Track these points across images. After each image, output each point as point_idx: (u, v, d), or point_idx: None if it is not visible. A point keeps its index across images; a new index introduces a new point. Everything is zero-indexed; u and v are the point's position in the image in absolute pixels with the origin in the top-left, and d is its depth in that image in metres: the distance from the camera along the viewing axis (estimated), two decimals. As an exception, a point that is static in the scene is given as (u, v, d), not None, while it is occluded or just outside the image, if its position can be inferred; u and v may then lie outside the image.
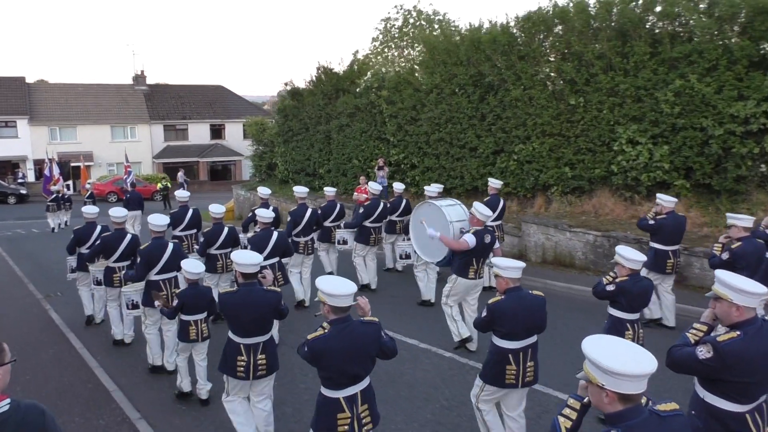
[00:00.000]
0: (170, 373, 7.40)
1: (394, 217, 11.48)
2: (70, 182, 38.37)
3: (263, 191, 11.55)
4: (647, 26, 11.96)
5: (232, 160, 47.85)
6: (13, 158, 41.03)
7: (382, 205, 10.92)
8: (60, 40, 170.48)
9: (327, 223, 11.03)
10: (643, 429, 2.50)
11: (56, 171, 23.24)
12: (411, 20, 35.04)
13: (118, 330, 8.66)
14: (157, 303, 6.69)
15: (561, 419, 2.86)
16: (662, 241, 8.35)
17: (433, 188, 10.67)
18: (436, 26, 33.28)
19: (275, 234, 8.42)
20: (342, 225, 11.27)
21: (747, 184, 10.92)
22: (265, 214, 8.58)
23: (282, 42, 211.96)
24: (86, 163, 40.02)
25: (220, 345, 5.57)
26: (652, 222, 8.43)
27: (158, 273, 7.30)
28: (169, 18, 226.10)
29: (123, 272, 8.17)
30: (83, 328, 9.61)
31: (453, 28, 26.89)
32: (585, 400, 2.81)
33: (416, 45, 34.55)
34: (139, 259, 7.34)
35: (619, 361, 2.50)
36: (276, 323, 7.72)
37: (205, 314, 6.42)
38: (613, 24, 12.34)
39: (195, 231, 11.11)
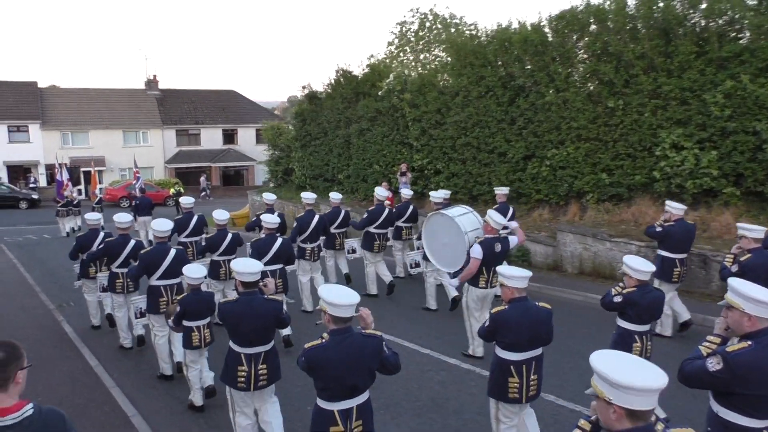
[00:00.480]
0: (168, 378, 7.49)
1: (400, 223, 11.35)
2: (81, 187, 38.13)
3: (268, 197, 11.62)
4: (691, 24, 11.30)
5: (244, 165, 47.45)
6: (25, 163, 40.79)
7: (387, 211, 10.78)
8: (72, 44, 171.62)
9: (332, 230, 10.84)
10: None
11: (65, 176, 22.91)
12: (427, 24, 34.46)
13: (126, 339, 8.62)
14: (169, 321, 6.50)
15: None
16: (670, 249, 8.21)
17: (439, 194, 10.46)
18: (453, 30, 32.69)
19: (279, 240, 8.35)
20: (350, 225, 11.27)
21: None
22: (270, 220, 8.46)
23: (291, 47, 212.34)
24: (98, 168, 39.85)
25: (223, 349, 5.47)
26: (659, 229, 8.28)
27: (159, 278, 7.25)
28: (180, 23, 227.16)
29: (126, 271, 8.12)
30: (98, 343, 9.06)
31: (473, 31, 26.22)
32: (593, 418, 2.67)
33: (433, 49, 34.02)
34: (138, 261, 7.38)
35: (628, 374, 2.41)
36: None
37: (208, 320, 6.40)
38: (652, 23, 11.69)
39: (200, 238, 10.94)
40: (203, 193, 40.97)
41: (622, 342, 5.51)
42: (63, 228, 22.08)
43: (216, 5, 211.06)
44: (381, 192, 11.10)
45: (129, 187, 33.35)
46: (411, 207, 11.45)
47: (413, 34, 34.98)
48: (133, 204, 20.75)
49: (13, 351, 2.74)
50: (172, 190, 36.13)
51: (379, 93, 18.27)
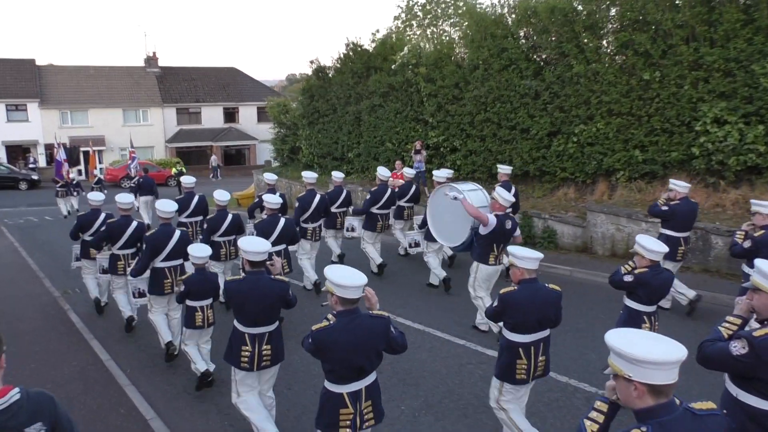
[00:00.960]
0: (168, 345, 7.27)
1: (402, 203, 11.29)
2: (81, 167, 37.42)
3: (269, 177, 11.52)
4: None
5: (246, 144, 46.60)
6: (24, 143, 39.94)
7: (389, 191, 10.74)
8: (68, 20, 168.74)
9: (333, 209, 10.72)
10: (676, 427, 2.31)
11: (63, 156, 22.35)
12: (435, -3, 33.34)
13: (126, 310, 8.44)
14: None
15: (587, 423, 2.71)
16: (674, 228, 8.15)
17: (442, 173, 10.26)
18: (462, 3, 31.63)
19: (282, 220, 8.28)
20: (350, 211, 11.21)
21: None
22: (272, 200, 8.38)
23: (291, 24, 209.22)
24: (97, 148, 39.08)
25: (226, 334, 5.40)
26: (665, 208, 8.17)
27: (164, 260, 7.20)
28: None
29: (130, 267, 7.81)
30: (107, 334, 8.47)
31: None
32: (614, 398, 2.62)
33: (441, 23, 33.03)
34: (144, 246, 7.29)
35: (646, 348, 2.36)
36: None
37: (210, 300, 6.38)
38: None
39: (201, 218, 10.80)
40: (213, 173, 40.46)
41: (631, 322, 5.42)
42: (62, 209, 21.82)
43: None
44: (383, 172, 10.96)
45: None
46: (413, 187, 11.36)
47: (420, 7, 33.94)
48: (135, 184, 20.42)
49: None
50: (173, 170, 35.41)
51: (393, 67, 17.44)
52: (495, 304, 4.86)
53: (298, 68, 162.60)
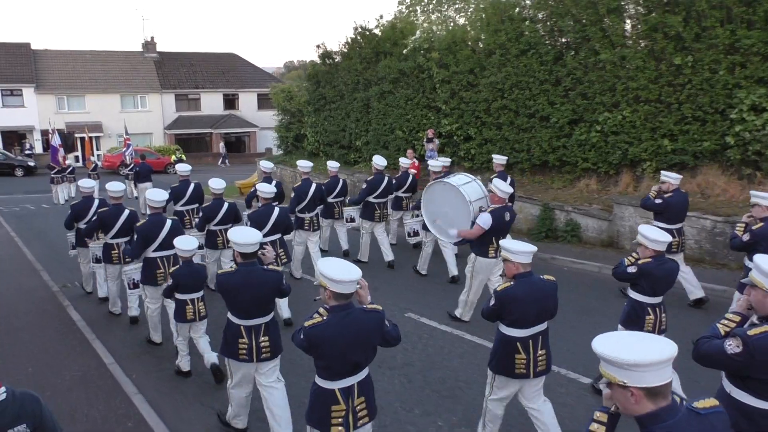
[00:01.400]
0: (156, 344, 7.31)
1: (400, 193, 11.16)
2: (78, 153, 36.73)
3: (265, 165, 11.50)
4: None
5: (246, 131, 45.84)
6: (20, 128, 39.11)
7: (386, 180, 10.59)
8: (64, 3, 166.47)
9: (330, 199, 10.67)
10: (683, 430, 2.24)
11: (57, 142, 21.97)
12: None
13: (116, 307, 8.51)
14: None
15: None
16: (667, 220, 8.04)
17: (437, 162, 10.23)
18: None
19: (276, 210, 8.10)
20: (346, 201, 11.16)
21: None
22: (266, 189, 8.20)
23: (289, 10, 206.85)
24: (94, 134, 38.40)
25: (219, 326, 5.28)
26: (658, 201, 8.15)
27: (156, 250, 7.10)
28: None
29: (123, 248, 7.98)
30: (110, 333, 7.92)
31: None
32: (612, 409, 2.55)
33: (445, 9, 32.33)
34: (135, 237, 7.19)
35: (634, 351, 2.26)
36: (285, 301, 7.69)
37: (201, 293, 6.29)
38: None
39: (197, 206, 10.74)
40: (222, 160, 40.11)
41: (635, 315, 5.32)
42: (56, 196, 21.79)
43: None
44: (379, 161, 10.76)
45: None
46: (411, 177, 11.21)
47: (424, -8, 33.15)
48: (132, 171, 20.53)
49: None
50: (173, 158, 34.78)
51: (404, 52, 16.75)
52: (492, 302, 4.66)
53: (295, 55, 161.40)
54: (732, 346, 3.21)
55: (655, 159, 11.54)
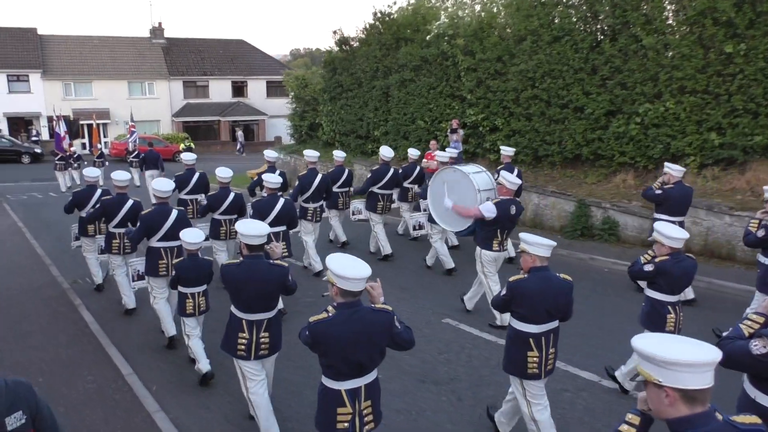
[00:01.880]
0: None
1: (407, 184, 10.98)
2: (86, 140, 36.20)
3: (270, 154, 11.42)
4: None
5: (255, 119, 45.16)
6: (27, 115, 38.52)
7: (392, 171, 10.45)
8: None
9: (335, 189, 10.53)
10: None
11: (63, 129, 21.65)
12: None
13: (129, 299, 8.24)
14: None
15: None
16: (668, 212, 8.04)
17: (444, 154, 10.20)
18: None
19: (281, 200, 7.93)
20: (351, 192, 11.08)
21: None
22: (271, 179, 7.99)
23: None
24: (102, 121, 37.78)
25: (221, 323, 5.11)
26: (659, 192, 8.16)
27: (160, 240, 6.95)
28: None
29: (124, 231, 7.83)
30: (126, 338, 7.35)
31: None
32: (645, 408, 2.39)
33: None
34: (138, 224, 7.08)
35: (675, 350, 2.16)
36: None
37: (204, 287, 6.16)
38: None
39: (202, 195, 10.66)
40: (239, 148, 39.77)
41: (655, 314, 5.20)
42: (61, 183, 21.65)
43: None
44: (385, 152, 10.66)
45: (139, 141, 31.66)
46: (417, 168, 11.05)
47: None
48: (136, 158, 20.59)
49: None
50: (182, 146, 34.12)
51: (427, 38, 16.03)
52: (503, 292, 4.59)
53: (302, 43, 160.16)
54: (758, 346, 3.07)
55: (700, 154, 10.87)
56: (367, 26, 18.41)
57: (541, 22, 12.98)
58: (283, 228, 8.01)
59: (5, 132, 36.70)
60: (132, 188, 9.64)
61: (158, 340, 7.20)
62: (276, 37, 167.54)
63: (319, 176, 9.66)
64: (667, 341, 2.30)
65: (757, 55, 9.87)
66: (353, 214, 10.91)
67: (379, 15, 17.97)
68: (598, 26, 12.45)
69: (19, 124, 38.58)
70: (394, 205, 11.11)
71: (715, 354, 2.18)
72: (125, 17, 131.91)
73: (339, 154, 11.04)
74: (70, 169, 21.76)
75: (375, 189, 10.41)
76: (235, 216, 9.01)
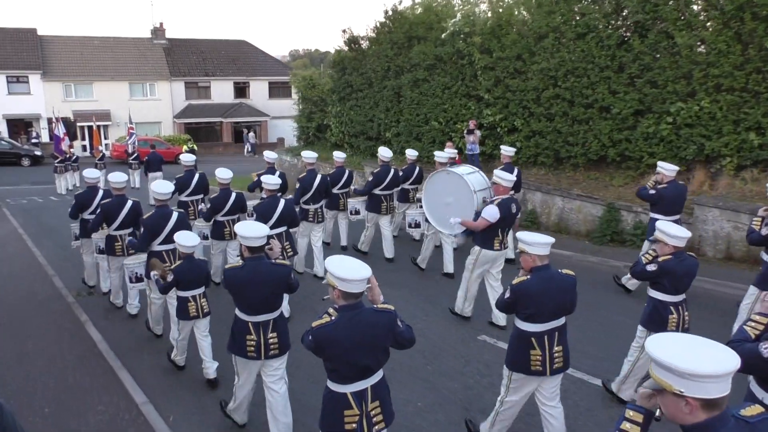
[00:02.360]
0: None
1: (406, 186, 10.87)
2: (86, 142, 35.66)
3: (269, 155, 11.40)
4: None
5: (257, 120, 44.58)
6: (26, 116, 37.88)
7: (392, 172, 10.36)
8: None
9: (335, 190, 10.56)
10: None
11: (62, 130, 21.35)
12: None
13: (118, 300, 8.41)
14: (153, 273, 6.21)
15: None
16: (663, 212, 8.00)
17: (444, 154, 10.06)
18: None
19: (282, 202, 7.91)
20: (351, 192, 11.03)
21: None
22: (270, 181, 7.96)
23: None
24: (102, 123, 37.22)
25: (225, 326, 5.15)
26: (652, 191, 8.13)
27: (161, 243, 6.96)
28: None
29: (127, 241, 7.76)
30: (139, 360, 6.78)
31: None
32: (656, 414, 2.33)
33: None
34: (142, 230, 7.06)
35: (696, 360, 2.09)
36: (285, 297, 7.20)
37: (203, 289, 6.10)
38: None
39: (201, 196, 10.66)
40: (249, 149, 39.28)
41: (657, 315, 5.12)
42: (59, 186, 21.49)
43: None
44: (384, 152, 10.55)
45: (140, 143, 31.10)
46: (417, 169, 10.90)
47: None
48: (136, 160, 20.65)
49: None
50: (184, 147, 33.57)
51: (442, 36, 15.47)
52: (507, 295, 4.53)
53: (301, 44, 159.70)
54: None
55: (737, 155, 10.34)
56: (378, 25, 17.86)
57: (564, 19, 12.44)
58: (285, 228, 7.99)
59: (5, 134, 36.08)
60: (128, 190, 9.17)
61: (169, 363, 6.64)
62: (275, 38, 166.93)
63: (319, 176, 9.62)
64: (682, 347, 2.21)
65: (802, 51, 9.34)
66: (351, 213, 10.82)
67: (390, 13, 17.42)
68: (626, 22, 11.88)
69: (19, 126, 38.00)
70: (393, 206, 10.96)
71: (737, 361, 2.13)
72: (126, 18, 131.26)
73: (339, 156, 10.99)
74: (69, 171, 21.51)
75: (377, 191, 10.30)
76: (237, 216, 9.07)
